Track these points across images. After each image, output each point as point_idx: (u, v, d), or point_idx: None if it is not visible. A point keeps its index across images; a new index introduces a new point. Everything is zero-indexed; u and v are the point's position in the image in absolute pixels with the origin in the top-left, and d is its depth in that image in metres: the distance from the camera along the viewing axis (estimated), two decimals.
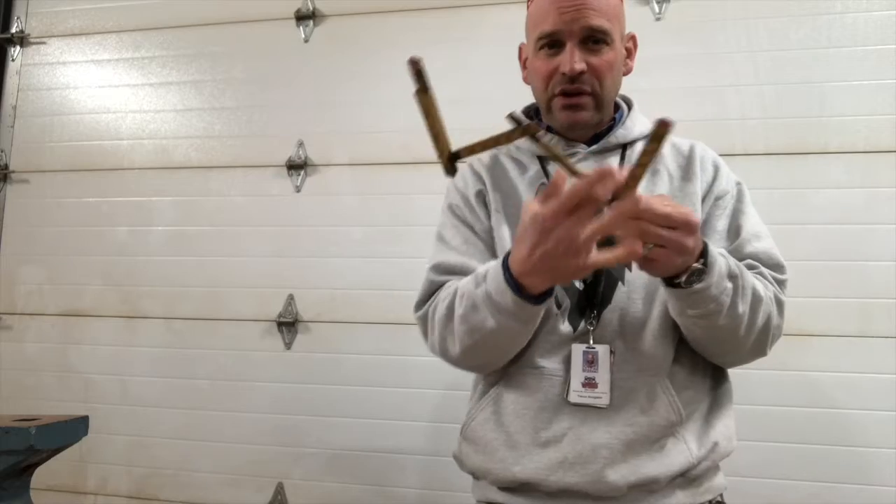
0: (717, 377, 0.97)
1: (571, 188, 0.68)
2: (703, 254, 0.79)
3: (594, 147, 1.01)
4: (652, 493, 0.88)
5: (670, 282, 0.81)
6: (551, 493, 0.89)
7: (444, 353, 0.96)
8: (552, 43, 0.96)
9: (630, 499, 0.88)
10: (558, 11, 0.94)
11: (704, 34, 1.78)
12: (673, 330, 0.91)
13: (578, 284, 0.94)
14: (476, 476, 1.00)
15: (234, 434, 1.91)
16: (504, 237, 0.98)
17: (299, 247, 1.93)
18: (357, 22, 1.98)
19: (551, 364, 0.92)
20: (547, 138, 1.03)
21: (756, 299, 0.86)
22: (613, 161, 1.01)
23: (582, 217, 0.69)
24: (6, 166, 2.15)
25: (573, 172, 0.72)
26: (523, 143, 1.02)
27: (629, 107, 1.07)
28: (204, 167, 2.03)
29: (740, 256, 0.92)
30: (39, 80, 2.19)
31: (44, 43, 2.20)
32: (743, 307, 0.84)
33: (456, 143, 0.71)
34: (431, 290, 0.99)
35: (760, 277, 0.90)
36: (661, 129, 0.66)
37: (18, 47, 2.21)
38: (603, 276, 0.93)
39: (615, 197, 0.70)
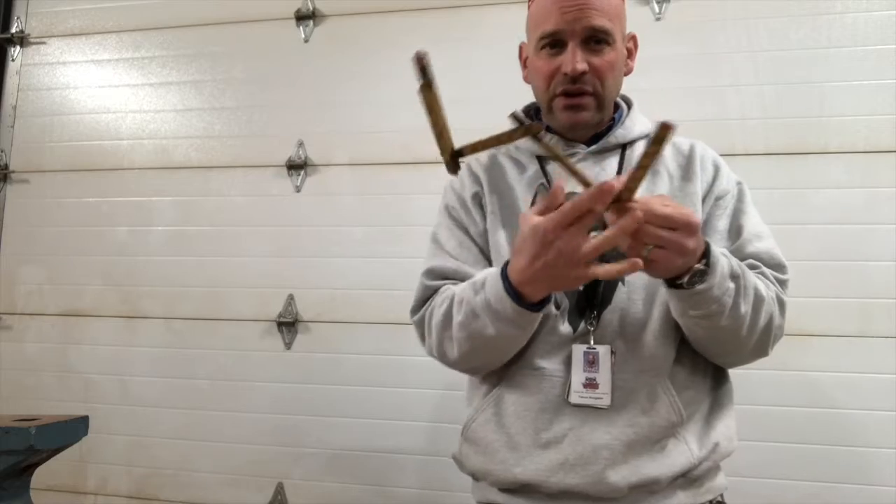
0: (717, 377, 0.96)
1: (573, 203, 0.71)
2: (706, 254, 0.79)
3: (593, 147, 1.01)
4: (653, 494, 0.88)
5: (672, 282, 0.81)
6: (552, 494, 0.89)
7: (441, 357, 0.97)
8: (554, 43, 0.96)
9: (631, 499, 0.88)
10: (560, 11, 0.94)
11: (704, 34, 1.78)
12: (674, 330, 0.91)
13: None
14: (476, 477, 1.00)
15: (234, 434, 1.91)
16: (499, 241, 0.98)
17: (299, 247, 1.93)
18: (357, 22, 1.98)
19: (551, 365, 0.92)
20: (547, 138, 1.02)
21: (758, 300, 0.86)
22: (613, 161, 1.00)
23: (582, 228, 0.72)
24: (6, 166, 2.15)
25: (574, 173, 0.72)
26: (523, 142, 1.01)
27: (629, 106, 1.07)
28: (204, 167, 2.03)
29: (742, 256, 0.92)
30: (39, 80, 2.19)
31: (44, 43, 2.20)
32: (745, 307, 0.84)
33: (457, 143, 0.72)
34: (427, 295, 0.99)
35: (762, 277, 0.90)
36: (663, 132, 0.66)
37: (18, 47, 2.21)
38: None
39: (616, 199, 0.71)
